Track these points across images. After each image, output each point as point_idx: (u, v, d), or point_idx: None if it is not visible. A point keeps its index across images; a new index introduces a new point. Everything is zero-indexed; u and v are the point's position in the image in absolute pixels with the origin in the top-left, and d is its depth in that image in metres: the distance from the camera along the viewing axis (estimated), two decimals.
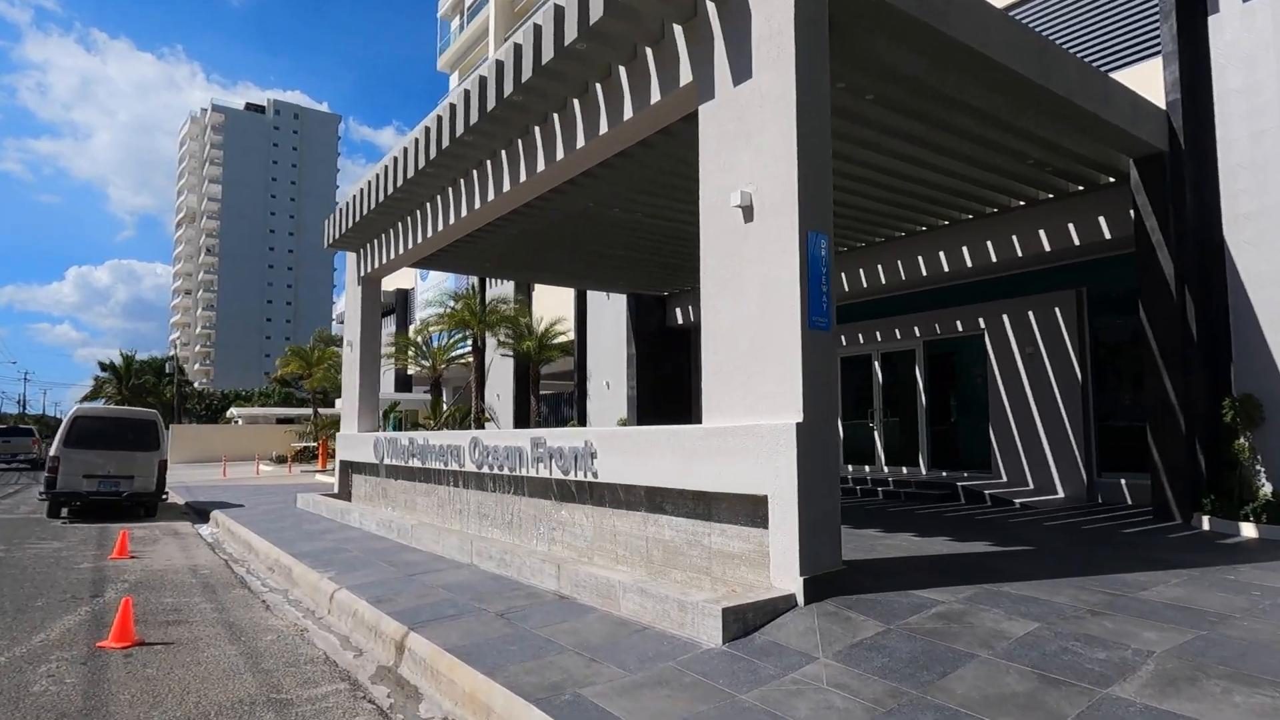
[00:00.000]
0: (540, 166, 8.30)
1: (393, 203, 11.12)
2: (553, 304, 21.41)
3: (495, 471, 8.25)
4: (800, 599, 4.75)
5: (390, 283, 35.20)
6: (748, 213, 5.37)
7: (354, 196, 12.07)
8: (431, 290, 30.17)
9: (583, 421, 19.57)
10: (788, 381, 5.00)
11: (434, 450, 9.55)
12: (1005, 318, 11.92)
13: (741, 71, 5.52)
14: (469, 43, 37.62)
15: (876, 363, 13.90)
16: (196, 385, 78.08)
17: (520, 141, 8.61)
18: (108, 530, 11.37)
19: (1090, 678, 3.56)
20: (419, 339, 24.95)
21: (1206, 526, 8.02)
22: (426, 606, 5.69)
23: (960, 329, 12.76)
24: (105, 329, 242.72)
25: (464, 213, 10.05)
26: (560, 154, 7.92)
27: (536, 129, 8.30)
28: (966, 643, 4.07)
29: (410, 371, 30.49)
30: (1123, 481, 10.54)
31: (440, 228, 10.70)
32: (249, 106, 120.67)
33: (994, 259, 11.35)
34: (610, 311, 18.85)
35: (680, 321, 17.22)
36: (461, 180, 10.02)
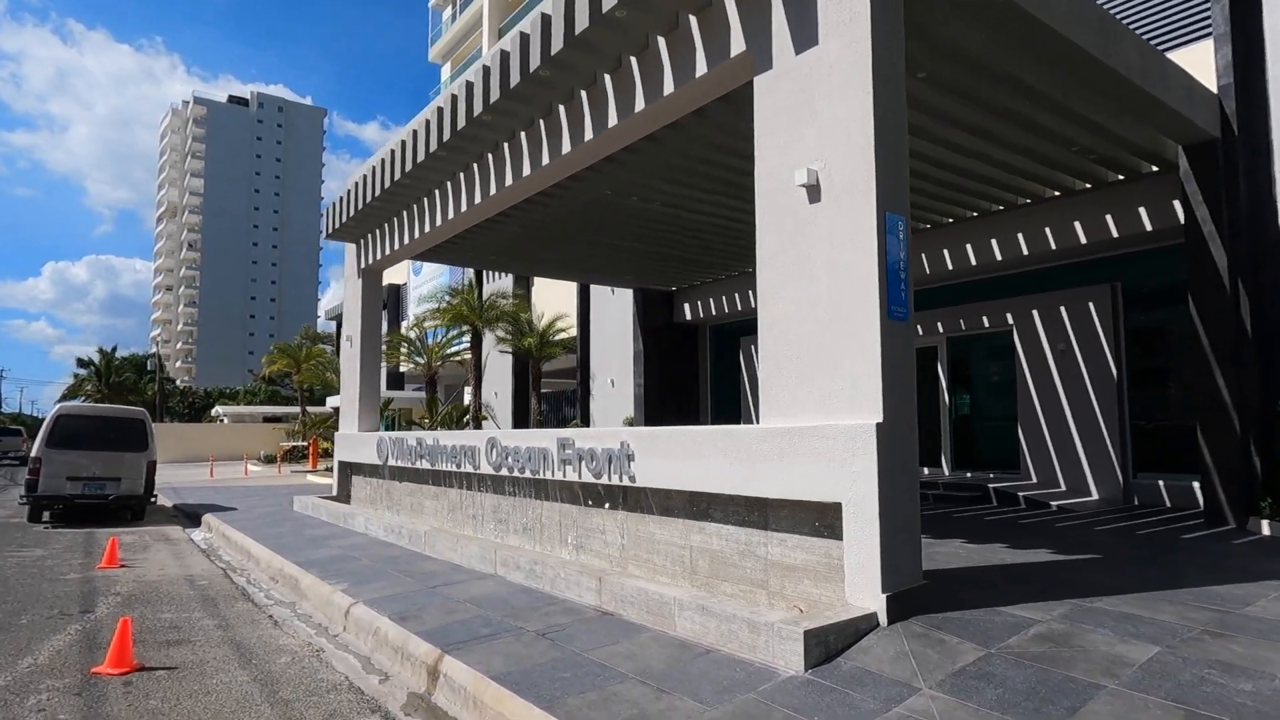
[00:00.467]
0: (565, 148, 7.81)
1: (398, 190, 10.58)
2: (553, 299, 20.90)
3: (515, 474, 7.77)
4: (883, 618, 4.31)
5: (386, 276, 34.55)
6: (813, 192, 4.92)
7: (356, 184, 11.52)
8: (425, 285, 29.56)
9: (585, 421, 19.09)
10: (865, 378, 4.56)
11: (445, 451, 9.05)
12: (1035, 313, 11.55)
13: (805, 38, 5.06)
14: (462, 32, 36.96)
15: None
16: (179, 383, 76.82)
17: (542, 122, 8.12)
18: (94, 536, 10.77)
19: (1248, 715, 3.14)
20: (413, 335, 24.36)
21: (1266, 531, 7.67)
22: (457, 624, 5.21)
23: (986, 325, 12.38)
24: (82, 326, 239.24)
25: (476, 200, 9.54)
26: (588, 135, 7.44)
27: (561, 108, 7.81)
28: (1085, 670, 3.64)
29: (403, 369, 29.86)
30: (1161, 483, 10.20)
31: (449, 217, 10.18)
32: (232, 99, 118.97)
33: (1025, 252, 10.98)
34: (615, 307, 18.38)
35: (689, 317, 16.77)
36: (475, 165, 9.51)
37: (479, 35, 35.44)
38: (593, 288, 19.27)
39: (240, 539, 9.60)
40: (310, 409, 36.00)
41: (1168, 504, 10.06)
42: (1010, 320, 12.07)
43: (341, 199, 12.14)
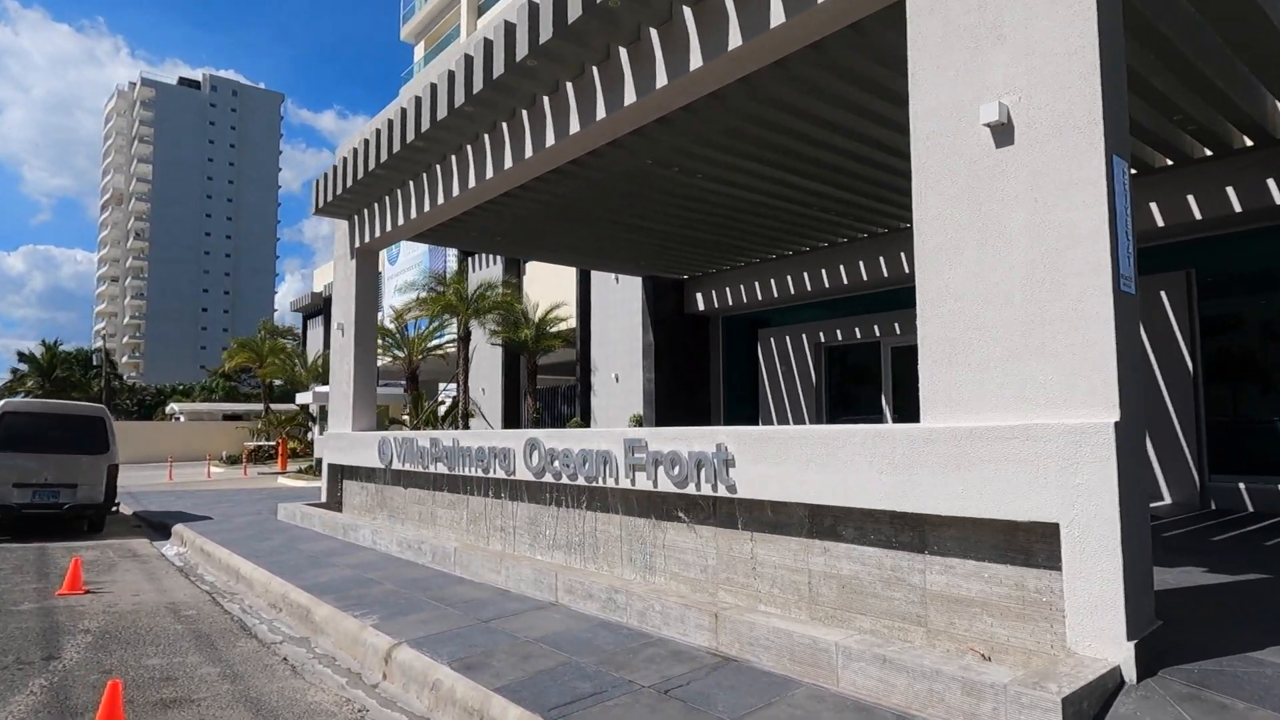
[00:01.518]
0: (600, 113, 6.80)
1: (401, 160, 9.43)
2: (547, 289, 19.76)
3: (564, 481, 6.71)
4: (1130, 673, 3.39)
5: None
6: (1003, 134, 3.98)
7: (352, 152, 10.29)
8: (403, 274, 28.13)
9: (585, 419, 18.01)
10: (1090, 366, 3.63)
11: (469, 455, 7.94)
12: None
13: None
14: (438, 9, 35.46)
15: None
16: (126, 379, 73.46)
17: (571, 85, 7.09)
18: (47, 553, 9.41)
19: None
20: (393, 326, 22.99)
21: None
22: (544, 677, 4.16)
23: None
24: (19, 319, 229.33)
25: (489, 174, 8.49)
26: (629, 97, 6.44)
27: (595, 69, 6.79)
28: None
29: (380, 363, 28.35)
30: (1242, 485, 9.54)
31: (457, 192, 9.08)
32: (183, 81, 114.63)
33: None
34: (620, 297, 17.34)
35: (701, 307, 15.79)
36: (486, 136, 8.46)
37: (456, 12, 34.01)
38: (594, 276, 18.20)
39: (225, 556, 8.36)
40: (274, 406, 34.29)
41: (1250, 508, 9.41)
42: None
43: (336, 169, 10.89)
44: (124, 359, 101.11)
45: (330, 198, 11.05)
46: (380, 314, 29.75)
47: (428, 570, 7.21)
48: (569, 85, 7.16)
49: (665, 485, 5.66)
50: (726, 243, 13.12)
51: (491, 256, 22.25)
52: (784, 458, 4.82)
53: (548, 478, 6.89)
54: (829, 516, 4.72)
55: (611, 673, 4.19)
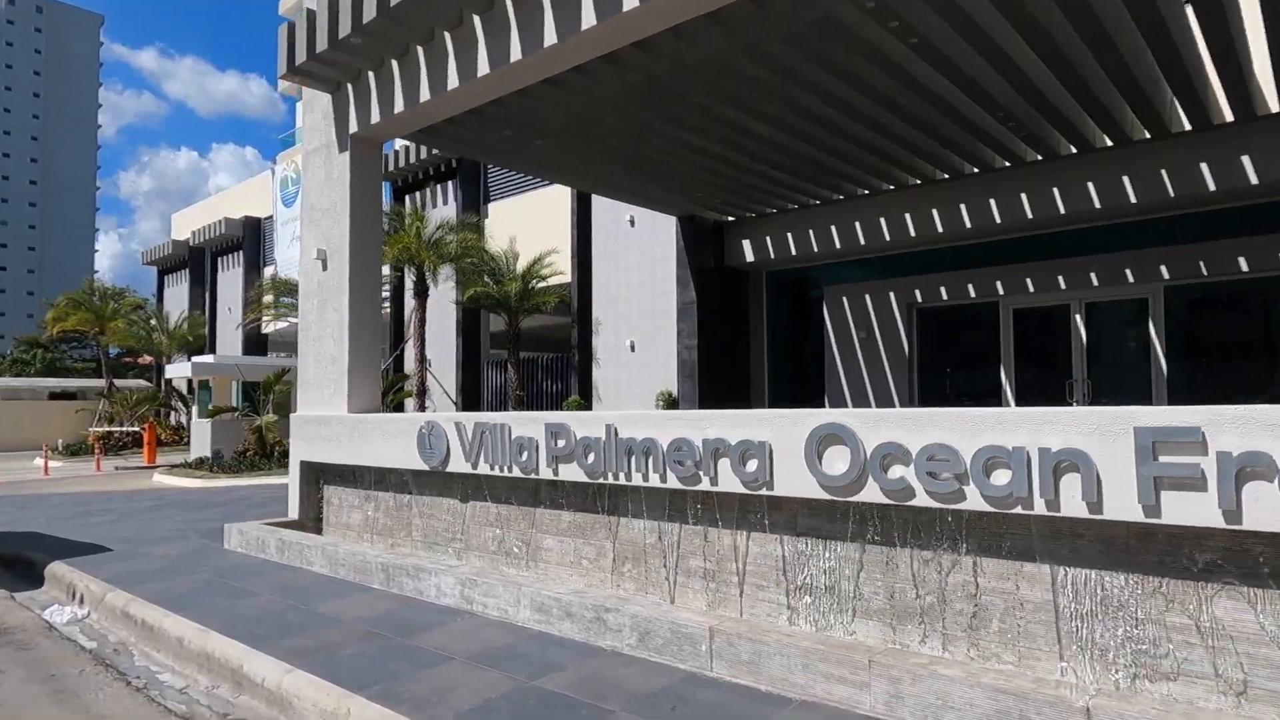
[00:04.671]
0: None
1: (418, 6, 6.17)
2: (527, 234, 16.24)
3: (919, 500, 3.84)
4: None
5: (232, 207, 27.59)
6: None
7: None
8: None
9: (585, 397, 14.84)
10: None
11: (651, 453, 4.86)
12: None
13: None
14: None
15: (1078, 316, 10.68)
16: None
17: None
18: None
19: None
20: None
21: None
22: None
23: (1206, 271, 9.82)
24: None
25: (517, 53, 5.84)
26: None
27: None
28: None
29: (268, 329, 23.57)
30: None
31: (484, 70, 6.27)
32: None
33: None
34: (635, 242, 14.29)
35: (749, 258, 13.01)
36: (511, 6, 5.53)
37: None
38: (596, 218, 14.99)
39: (194, 636, 4.79)
40: (119, 382, 28.48)
41: None
42: (1245, 266, 9.59)
43: (320, 10, 7.22)
44: None
45: (306, 55, 7.40)
46: (270, 269, 24.92)
47: (673, 670, 4.10)
48: None
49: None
50: (783, 177, 10.48)
51: (442, 194, 18.43)
52: None
53: (870, 493, 3.98)
54: None
55: None
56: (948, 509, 3.82)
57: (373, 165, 7.95)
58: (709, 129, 8.76)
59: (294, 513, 7.90)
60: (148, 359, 43.11)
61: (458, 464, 6.18)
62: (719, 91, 7.76)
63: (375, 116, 7.39)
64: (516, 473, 5.74)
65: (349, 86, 7.73)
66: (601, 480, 5.21)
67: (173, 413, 26.50)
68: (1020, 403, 10.94)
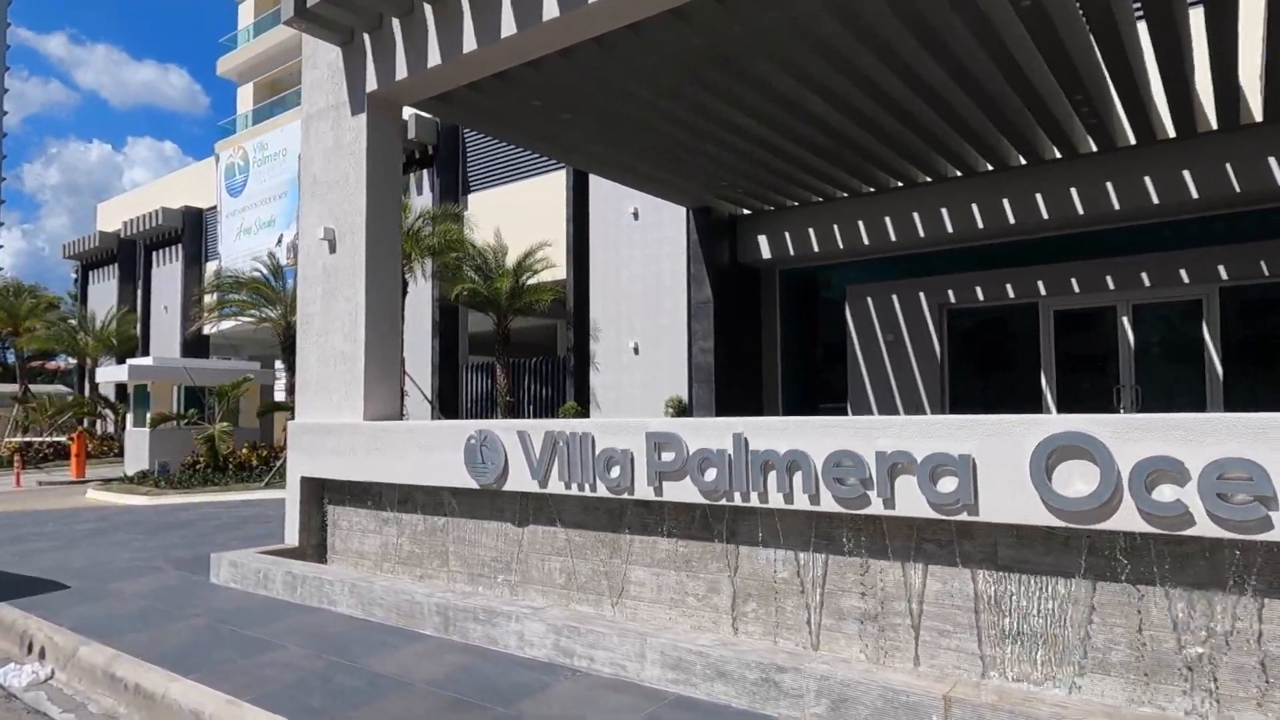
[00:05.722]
0: None
1: None
2: (512, 226, 15.19)
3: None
4: None
5: (169, 196, 25.62)
6: None
7: None
8: (254, 210, 21.80)
9: (582, 403, 13.85)
10: None
11: (801, 469, 4.02)
12: None
13: None
14: None
15: (1125, 318, 10.27)
16: None
17: None
18: None
19: None
20: (260, 274, 17.22)
21: None
22: None
23: (1267, 271, 9.52)
24: None
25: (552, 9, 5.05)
26: None
27: None
28: None
29: (210, 329, 21.79)
30: None
31: (509, 30, 5.40)
32: None
33: None
34: (640, 237, 13.42)
35: (766, 254, 12.29)
36: None
37: None
38: (594, 208, 14.06)
39: (235, 719, 3.73)
40: (34, 388, 26.20)
41: None
42: None
43: None
44: None
45: None
46: (213, 264, 23.18)
47: None
48: None
49: None
50: (819, 163, 9.87)
51: (416, 184, 17.23)
52: None
53: (1124, 519, 3.22)
54: None
55: None
56: (1239, 540, 3.08)
57: (392, 131, 6.90)
58: (752, 104, 8.06)
59: (291, 538, 6.76)
60: (56, 364, 40.02)
61: (519, 481, 5.22)
62: (771, 61, 7.11)
63: (401, 72, 6.36)
64: (602, 492, 4.82)
65: (365, 37, 6.68)
66: (722, 502, 4.34)
67: (98, 421, 24.36)
68: (1062, 409, 10.48)
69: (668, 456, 4.52)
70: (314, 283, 6.96)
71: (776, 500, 4.15)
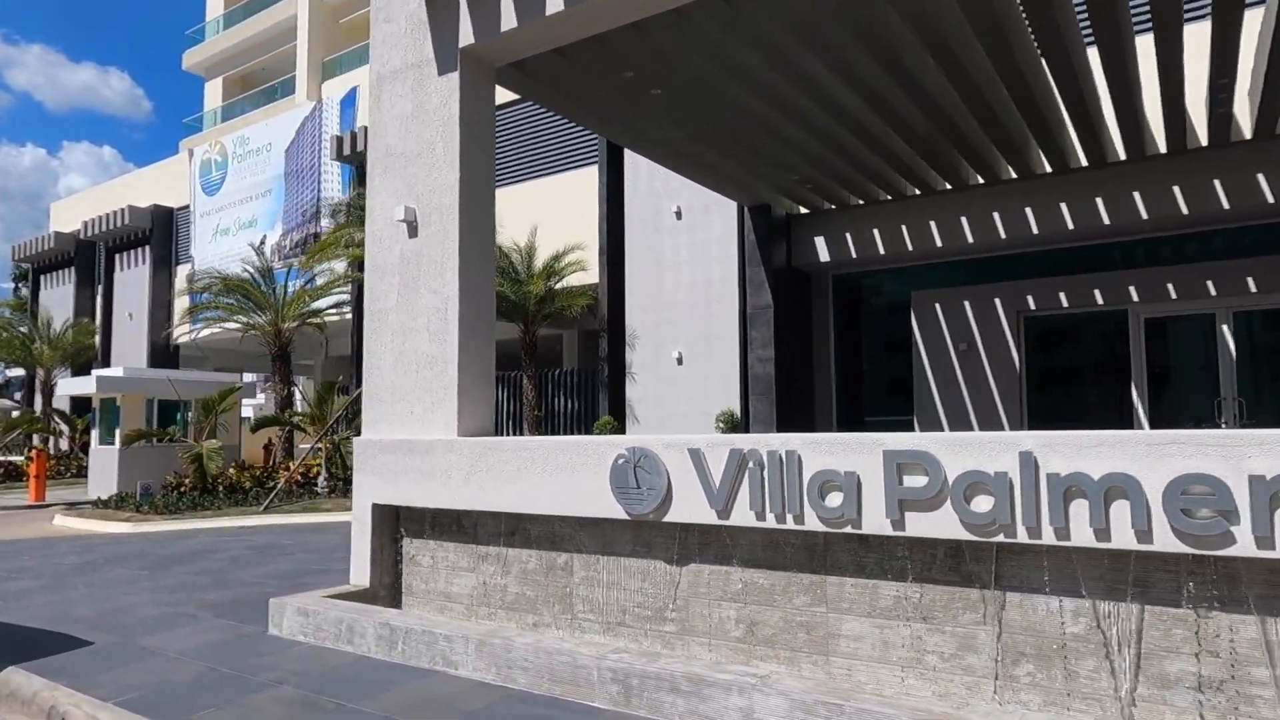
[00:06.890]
0: None
1: None
2: (519, 227, 14.13)
3: None
4: None
5: (134, 195, 24.03)
6: None
7: None
8: (231, 210, 20.40)
9: (618, 417, 12.85)
10: None
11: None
12: None
13: None
14: None
15: (1224, 326, 9.72)
16: None
17: None
18: None
19: None
20: (248, 274, 15.94)
21: None
22: None
23: None
24: None
25: None
26: None
27: None
28: None
29: (191, 337, 20.23)
30: None
31: None
32: None
33: None
34: (682, 239, 12.56)
35: (826, 258, 11.54)
36: None
37: None
38: (629, 208, 13.17)
39: None
40: None
41: None
42: None
43: None
44: None
45: None
46: (185, 267, 21.73)
47: None
48: None
49: None
50: (903, 149, 9.19)
51: None
52: None
53: None
54: None
55: None
56: None
57: (488, 94, 5.95)
58: (839, 91, 7.37)
59: (360, 577, 5.70)
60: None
61: (688, 509, 4.30)
62: (867, 45, 6.44)
63: (511, 20, 5.42)
64: (812, 524, 3.93)
65: None
66: (997, 538, 3.48)
67: (51, 438, 22.55)
68: (1154, 424, 9.89)
69: (916, 481, 3.65)
70: (388, 273, 5.94)
71: (1083, 537, 3.31)
